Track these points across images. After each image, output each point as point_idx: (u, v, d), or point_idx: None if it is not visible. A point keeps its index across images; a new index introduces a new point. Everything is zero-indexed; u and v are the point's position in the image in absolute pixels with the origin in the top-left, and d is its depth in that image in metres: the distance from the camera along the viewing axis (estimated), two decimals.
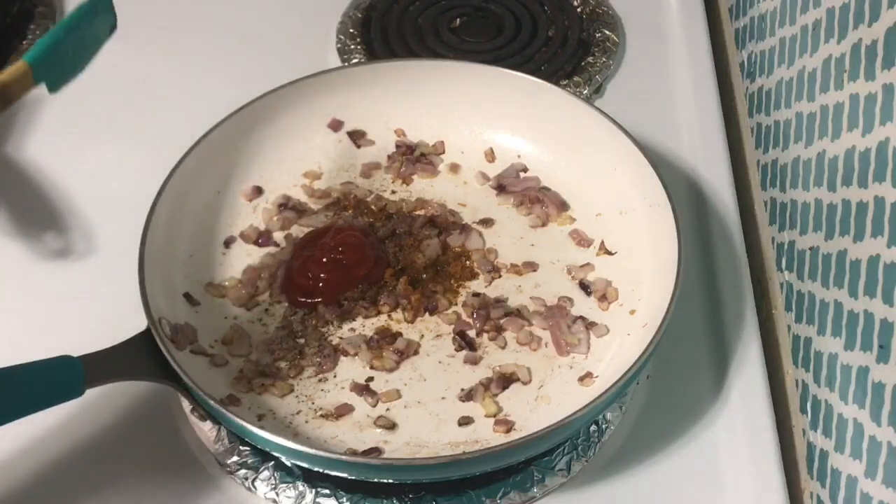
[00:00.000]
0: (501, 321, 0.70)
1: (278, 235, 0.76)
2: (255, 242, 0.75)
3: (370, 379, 0.67)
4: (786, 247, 0.74)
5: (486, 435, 0.64)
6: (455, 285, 0.73)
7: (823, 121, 0.67)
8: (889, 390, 0.55)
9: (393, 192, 0.79)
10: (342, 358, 0.69)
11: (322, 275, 0.71)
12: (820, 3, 0.69)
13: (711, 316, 0.74)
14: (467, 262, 0.74)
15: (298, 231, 0.76)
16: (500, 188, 0.78)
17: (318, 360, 0.68)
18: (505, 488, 0.64)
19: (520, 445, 0.59)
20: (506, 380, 0.67)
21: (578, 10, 0.96)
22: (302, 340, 0.69)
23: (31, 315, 0.73)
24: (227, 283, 0.72)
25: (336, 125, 0.81)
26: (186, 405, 0.67)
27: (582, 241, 0.75)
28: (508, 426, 0.64)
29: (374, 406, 0.66)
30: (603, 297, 0.71)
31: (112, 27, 0.61)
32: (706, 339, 0.72)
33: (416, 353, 0.69)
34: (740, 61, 0.90)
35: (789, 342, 0.72)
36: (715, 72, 0.90)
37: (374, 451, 0.63)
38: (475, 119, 0.81)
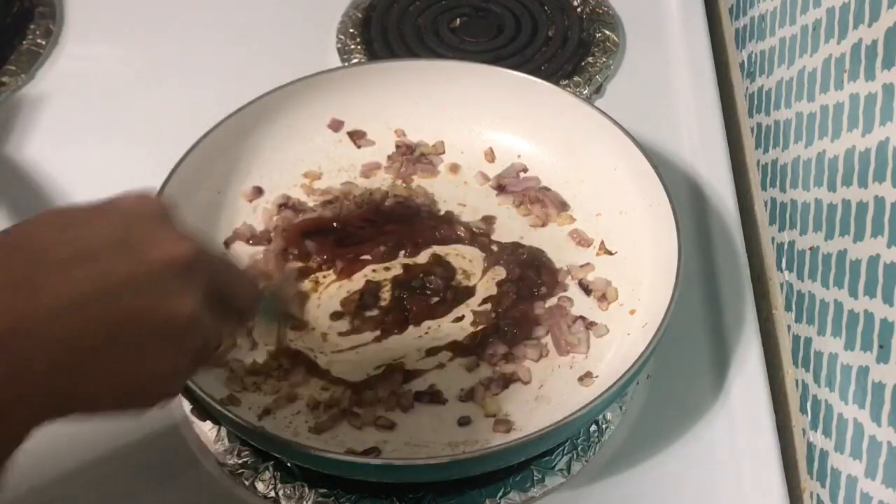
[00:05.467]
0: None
1: None
2: (255, 242, 0.75)
3: None
4: (786, 247, 0.74)
5: (485, 435, 0.64)
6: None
7: (823, 121, 0.67)
8: (889, 390, 0.55)
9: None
10: None
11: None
12: (820, 3, 0.69)
13: (711, 316, 0.74)
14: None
15: None
16: (500, 188, 0.78)
17: None
18: (505, 488, 0.64)
19: (519, 445, 0.59)
20: (506, 380, 0.67)
21: (578, 10, 0.96)
22: None
23: None
24: None
25: (336, 125, 0.81)
26: (186, 405, 0.67)
27: (582, 241, 0.75)
28: (508, 426, 0.64)
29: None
30: (603, 297, 0.71)
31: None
32: (706, 339, 0.72)
33: None
34: (740, 61, 0.90)
35: (789, 342, 0.72)
36: (715, 72, 0.90)
37: (374, 451, 0.63)
38: (475, 119, 0.80)
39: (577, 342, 0.69)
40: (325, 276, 0.72)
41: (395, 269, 0.73)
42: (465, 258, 0.73)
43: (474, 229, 0.75)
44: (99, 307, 0.39)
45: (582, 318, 0.70)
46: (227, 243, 0.75)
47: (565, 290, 0.71)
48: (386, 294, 0.71)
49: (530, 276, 0.72)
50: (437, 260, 0.73)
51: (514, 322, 0.69)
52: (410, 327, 0.70)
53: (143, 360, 0.41)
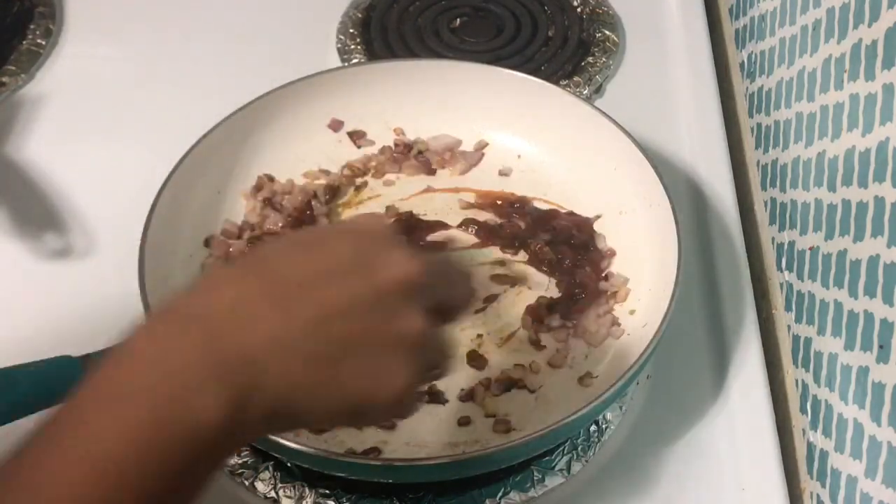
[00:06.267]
0: None
1: None
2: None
3: None
4: (786, 247, 0.74)
5: (485, 435, 0.64)
6: None
7: (823, 121, 0.67)
8: (889, 390, 0.55)
9: None
10: None
11: None
12: (820, 3, 0.69)
13: (711, 316, 0.73)
14: None
15: None
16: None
17: None
18: (505, 488, 0.64)
19: (519, 445, 0.59)
20: (507, 381, 0.67)
21: (578, 10, 0.96)
22: None
23: (31, 315, 0.73)
24: None
25: (336, 125, 0.81)
26: None
27: None
28: (508, 426, 0.64)
29: None
30: (614, 295, 0.71)
31: None
32: (706, 339, 0.72)
33: None
34: (740, 61, 0.90)
35: (789, 342, 0.72)
36: (715, 72, 0.90)
37: (374, 451, 0.63)
38: (475, 119, 0.80)
39: (595, 331, 0.68)
40: None
41: None
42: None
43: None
44: (338, 325, 0.42)
45: (613, 314, 0.69)
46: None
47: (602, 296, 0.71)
48: None
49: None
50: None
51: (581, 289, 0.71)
52: None
53: (376, 376, 0.43)
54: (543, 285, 0.72)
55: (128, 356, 0.40)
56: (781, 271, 0.74)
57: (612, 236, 0.74)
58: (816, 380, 0.65)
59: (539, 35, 0.93)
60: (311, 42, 0.94)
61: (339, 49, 0.92)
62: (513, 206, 0.77)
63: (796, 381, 0.70)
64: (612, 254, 0.73)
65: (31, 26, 0.93)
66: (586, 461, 0.66)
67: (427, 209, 0.77)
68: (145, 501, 0.37)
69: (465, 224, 0.75)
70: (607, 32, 0.93)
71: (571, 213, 0.75)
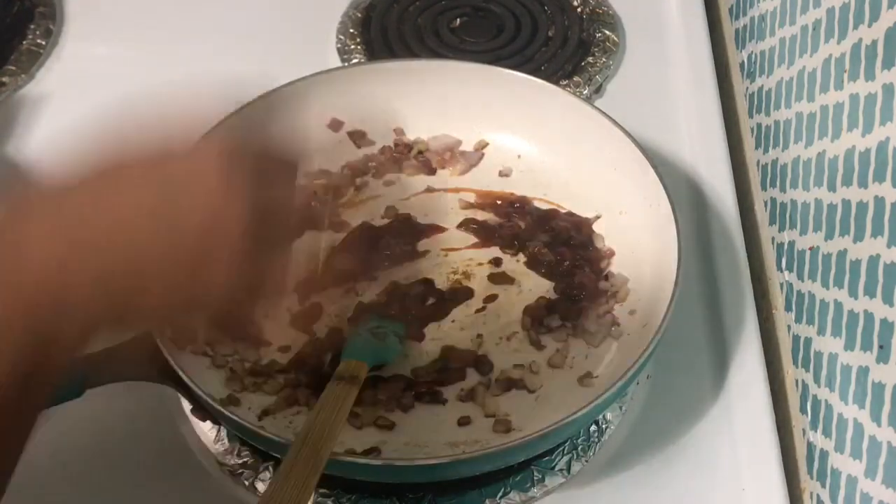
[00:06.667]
0: None
1: None
2: None
3: None
4: (786, 247, 0.74)
5: (485, 435, 0.64)
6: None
7: (823, 121, 0.67)
8: (889, 390, 0.55)
9: None
10: None
11: None
12: (820, 3, 0.69)
13: (711, 316, 0.73)
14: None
15: None
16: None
17: None
18: (505, 488, 0.64)
19: (519, 445, 0.59)
20: (507, 382, 0.67)
21: (578, 10, 0.96)
22: None
23: None
24: None
25: (336, 125, 0.81)
26: (186, 405, 0.67)
27: None
28: (508, 426, 0.64)
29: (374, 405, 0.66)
30: (614, 295, 0.71)
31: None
32: (706, 339, 0.72)
33: None
34: (740, 61, 0.90)
35: (789, 342, 0.72)
36: (715, 72, 0.90)
37: (374, 451, 0.63)
38: (475, 119, 0.80)
39: (595, 331, 0.68)
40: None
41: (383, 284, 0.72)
42: (472, 260, 0.74)
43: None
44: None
45: (613, 314, 0.70)
46: None
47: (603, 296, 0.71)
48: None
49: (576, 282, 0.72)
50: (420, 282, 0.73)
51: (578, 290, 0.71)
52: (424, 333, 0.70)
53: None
54: (543, 286, 0.72)
55: None
56: (781, 271, 0.74)
57: (611, 236, 0.74)
58: (816, 380, 0.65)
59: (539, 35, 0.93)
60: (311, 42, 0.94)
61: (339, 49, 0.92)
62: (513, 206, 0.77)
63: (796, 381, 0.70)
64: (612, 254, 0.73)
65: (31, 26, 0.93)
66: (586, 461, 0.66)
67: (427, 209, 0.77)
68: None
69: (465, 224, 0.76)
70: (607, 32, 0.93)
71: (571, 214, 0.75)
